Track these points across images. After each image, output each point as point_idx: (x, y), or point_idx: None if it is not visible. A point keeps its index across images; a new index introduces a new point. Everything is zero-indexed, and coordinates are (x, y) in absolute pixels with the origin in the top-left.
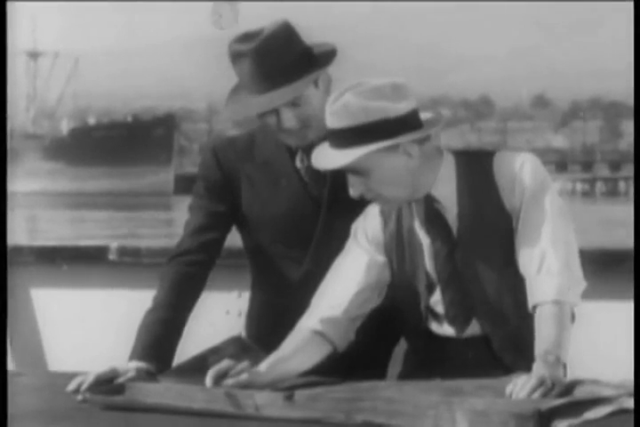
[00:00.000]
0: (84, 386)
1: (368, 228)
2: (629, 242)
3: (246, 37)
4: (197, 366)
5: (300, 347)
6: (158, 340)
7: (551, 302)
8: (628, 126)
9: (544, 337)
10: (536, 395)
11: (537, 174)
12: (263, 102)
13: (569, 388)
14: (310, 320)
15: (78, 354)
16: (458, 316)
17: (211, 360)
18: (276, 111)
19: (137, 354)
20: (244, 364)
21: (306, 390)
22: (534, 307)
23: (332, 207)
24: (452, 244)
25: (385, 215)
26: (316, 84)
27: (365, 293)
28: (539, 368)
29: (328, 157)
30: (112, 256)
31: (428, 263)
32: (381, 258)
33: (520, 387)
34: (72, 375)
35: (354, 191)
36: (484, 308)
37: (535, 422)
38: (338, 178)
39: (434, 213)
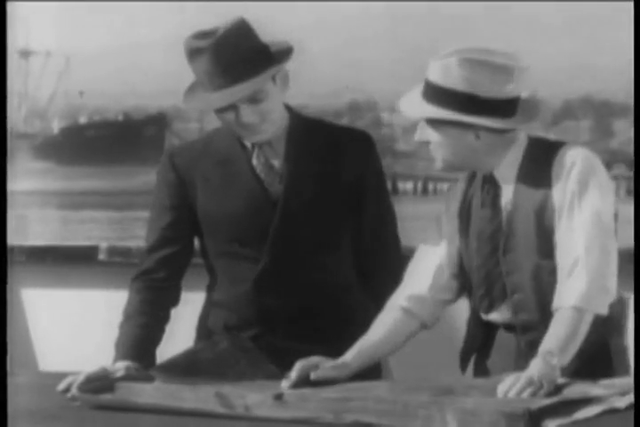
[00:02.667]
0: (75, 386)
1: (448, 206)
2: (620, 241)
3: (203, 35)
4: (189, 361)
5: (389, 326)
6: (138, 341)
7: (570, 307)
8: (620, 125)
9: (552, 338)
10: (525, 394)
11: (587, 177)
12: (222, 97)
13: (559, 387)
14: (398, 298)
15: (69, 354)
16: (484, 297)
17: (203, 355)
18: (234, 107)
19: (121, 354)
20: (330, 360)
21: (296, 390)
22: (556, 309)
23: (288, 204)
24: (497, 226)
25: (462, 195)
26: (273, 80)
27: (444, 269)
28: (534, 367)
29: (413, 104)
30: (102, 256)
31: (473, 244)
32: (455, 236)
33: (509, 386)
34: (62, 375)
35: (419, 136)
36: (513, 295)
37: (525, 422)
38: (294, 175)
39: (491, 193)
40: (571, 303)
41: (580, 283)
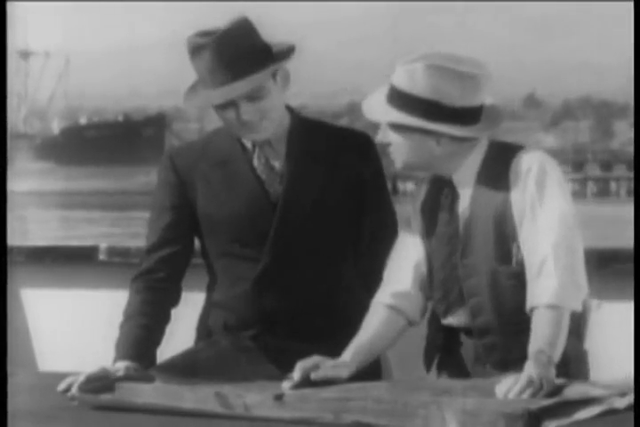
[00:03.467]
0: (75, 386)
1: (415, 205)
2: (620, 242)
3: (206, 33)
4: (189, 361)
5: (378, 325)
6: (138, 341)
7: (546, 305)
8: (620, 126)
9: (538, 337)
10: (525, 395)
11: (543, 178)
12: (222, 94)
13: (559, 388)
14: (383, 296)
15: (68, 354)
16: (442, 301)
17: (203, 355)
18: (234, 104)
19: (121, 355)
20: (330, 360)
21: (296, 390)
22: (531, 309)
23: (288, 205)
24: (454, 231)
25: (425, 195)
26: (274, 78)
27: (422, 265)
28: (529, 368)
29: (377, 108)
30: (102, 256)
31: (431, 246)
32: (420, 236)
33: (509, 387)
34: (62, 375)
35: (380, 137)
36: (470, 299)
37: (525, 423)
38: (295, 176)
39: (449, 198)
40: (545, 302)
41: (552, 281)
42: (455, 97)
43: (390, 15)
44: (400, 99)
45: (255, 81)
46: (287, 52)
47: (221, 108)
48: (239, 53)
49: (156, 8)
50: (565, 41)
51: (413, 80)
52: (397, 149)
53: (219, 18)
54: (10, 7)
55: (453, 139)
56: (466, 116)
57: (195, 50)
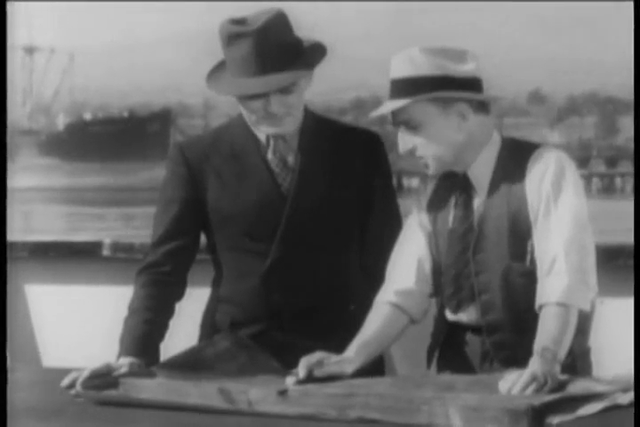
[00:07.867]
0: (79, 382)
1: (420, 202)
2: (624, 238)
3: (240, 21)
4: (192, 359)
5: (382, 322)
6: (142, 337)
7: (555, 303)
8: (625, 122)
9: (544, 334)
10: (529, 391)
11: (560, 178)
12: (262, 83)
13: (562, 384)
14: (386, 294)
15: (72, 350)
16: (453, 297)
17: (205, 353)
18: (266, 95)
19: (125, 351)
20: (334, 356)
21: (300, 386)
22: (540, 307)
23: (298, 199)
24: (468, 226)
25: (432, 193)
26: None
27: (424, 262)
28: (534, 364)
29: (385, 105)
30: (105, 252)
31: (442, 242)
32: (425, 233)
33: (512, 383)
34: (66, 371)
35: (402, 147)
36: (480, 295)
37: (529, 418)
38: (306, 171)
39: (464, 194)
40: (554, 300)
41: (561, 279)
42: (458, 68)
43: (396, 12)
44: (411, 85)
45: (297, 75)
46: (322, 49)
47: (250, 98)
48: (280, 45)
49: (161, 5)
50: (570, 38)
51: (416, 63)
52: (425, 147)
53: (222, 16)
54: (15, 3)
55: (476, 111)
56: (474, 84)
57: (232, 37)
